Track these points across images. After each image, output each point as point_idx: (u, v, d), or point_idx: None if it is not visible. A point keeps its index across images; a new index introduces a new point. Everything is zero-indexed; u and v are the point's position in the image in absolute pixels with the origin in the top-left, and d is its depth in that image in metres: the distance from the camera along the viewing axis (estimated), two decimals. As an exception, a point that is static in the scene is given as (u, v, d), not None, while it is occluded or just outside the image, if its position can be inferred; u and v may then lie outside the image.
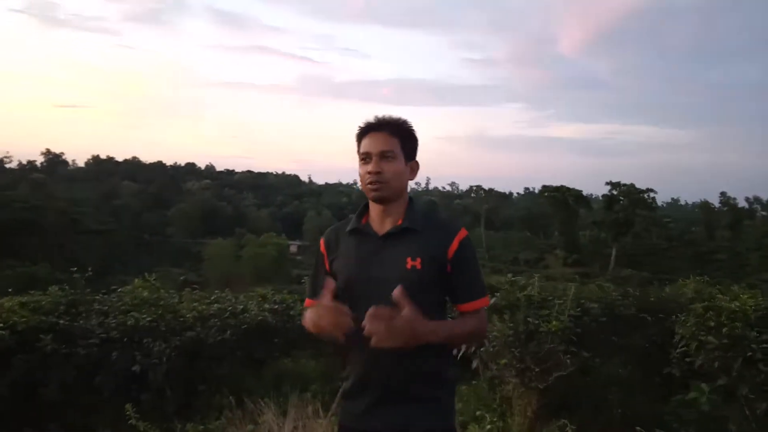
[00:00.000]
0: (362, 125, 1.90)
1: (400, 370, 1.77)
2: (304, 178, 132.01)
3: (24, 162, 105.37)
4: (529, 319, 3.85)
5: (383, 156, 1.83)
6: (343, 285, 1.85)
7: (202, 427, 4.26)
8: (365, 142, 1.87)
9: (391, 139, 1.85)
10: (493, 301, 4.15)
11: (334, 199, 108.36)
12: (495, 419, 3.92)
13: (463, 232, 1.86)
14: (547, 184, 70.92)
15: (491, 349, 3.97)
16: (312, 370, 5.82)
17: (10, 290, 5.66)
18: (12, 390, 4.25)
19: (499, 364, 3.92)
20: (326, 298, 1.72)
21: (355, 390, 1.86)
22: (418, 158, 1.95)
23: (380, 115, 1.90)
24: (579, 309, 4.03)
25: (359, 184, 1.96)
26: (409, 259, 1.79)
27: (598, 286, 5.47)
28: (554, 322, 3.73)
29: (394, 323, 1.60)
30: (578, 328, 3.90)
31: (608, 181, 64.27)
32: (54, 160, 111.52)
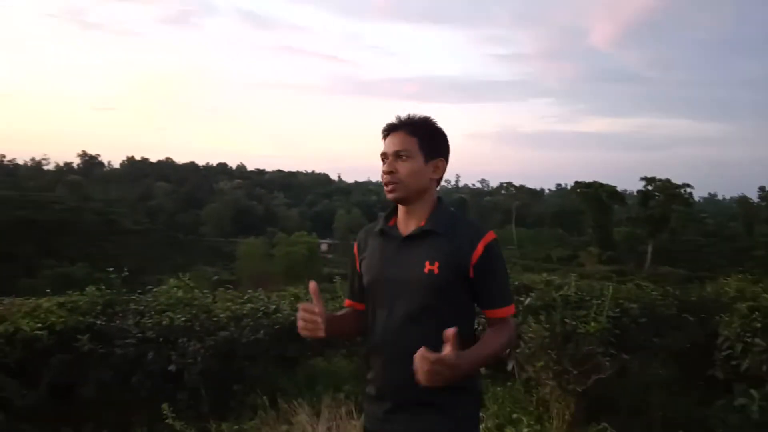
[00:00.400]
0: (386, 125, 1.88)
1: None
2: (333, 176, 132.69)
3: (61, 164, 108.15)
4: (566, 320, 3.76)
5: (398, 156, 1.82)
6: (366, 286, 1.88)
7: (236, 426, 4.29)
8: (385, 142, 1.87)
9: (407, 139, 1.82)
10: (528, 301, 4.07)
11: (363, 197, 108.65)
12: (532, 422, 3.85)
13: (489, 236, 1.78)
14: (580, 180, 69.92)
15: (527, 351, 3.89)
16: (345, 370, 5.82)
17: (48, 290, 5.78)
18: (50, 389, 4.33)
19: (536, 366, 3.84)
20: (308, 304, 1.76)
21: (376, 394, 1.85)
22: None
23: (403, 114, 1.87)
24: (618, 309, 3.91)
25: None
26: (427, 263, 1.75)
27: (637, 285, 5.33)
28: (592, 324, 3.64)
29: (436, 368, 1.53)
30: (617, 330, 3.80)
31: (643, 176, 63.01)
32: (90, 161, 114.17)
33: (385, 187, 1.84)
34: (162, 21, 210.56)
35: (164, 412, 4.04)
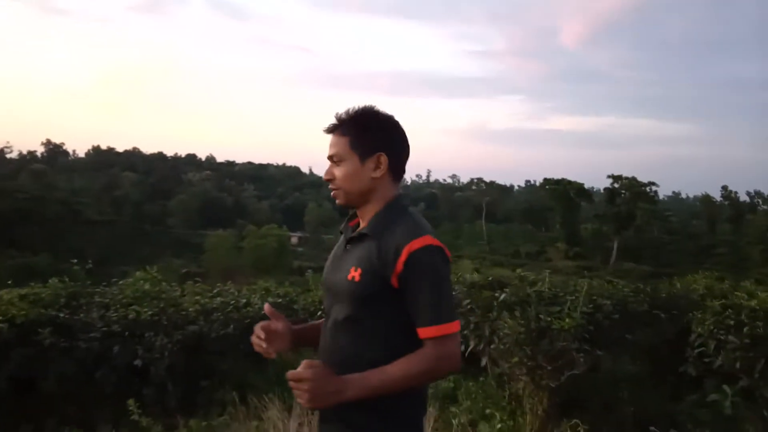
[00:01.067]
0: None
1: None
2: (304, 169, 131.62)
3: (24, 152, 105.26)
4: (540, 315, 3.75)
5: (332, 161, 1.71)
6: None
7: (205, 423, 4.19)
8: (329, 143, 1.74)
9: (339, 140, 1.68)
10: (502, 297, 4.06)
11: (330, 192, 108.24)
12: (505, 418, 3.84)
13: (417, 243, 1.54)
14: (549, 176, 70.93)
15: (501, 347, 3.88)
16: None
17: (9, 282, 5.58)
18: (10, 384, 4.17)
19: (510, 361, 3.83)
20: (265, 323, 1.74)
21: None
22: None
23: (343, 110, 1.70)
24: (591, 305, 3.92)
25: None
26: (351, 269, 1.61)
27: (608, 281, 5.37)
28: (567, 320, 3.64)
29: (304, 386, 1.46)
30: (591, 326, 3.81)
31: (610, 174, 64.22)
32: (54, 150, 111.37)
33: (332, 193, 1.73)
34: (132, 8, 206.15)
35: (130, 407, 3.92)
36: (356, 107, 1.70)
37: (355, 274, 1.59)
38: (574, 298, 3.98)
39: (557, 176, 69.06)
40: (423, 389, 1.70)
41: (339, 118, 1.69)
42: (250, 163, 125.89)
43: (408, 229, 1.59)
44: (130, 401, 3.97)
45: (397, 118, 1.76)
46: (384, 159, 1.67)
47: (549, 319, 3.71)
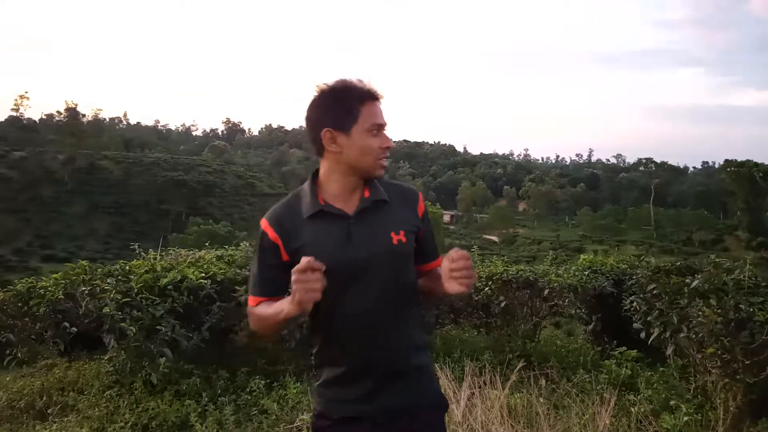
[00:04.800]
0: (361, 88, 1.65)
1: (402, 346, 1.69)
2: (459, 148, 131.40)
3: (208, 130, 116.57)
4: (740, 306, 3.42)
5: (382, 128, 1.69)
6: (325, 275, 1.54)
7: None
8: (372, 110, 1.65)
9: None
10: (695, 283, 3.75)
11: (489, 170, 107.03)
12: (691, 411, 3.57)
13: (420, 192, 1.84)
14: (731, 158, 63.89)
15: (692, 336, 3.60)
16: (478, 341, 5.78)
17: (207, 243, 6.25)
18: (212, 334, 4.68)
19: (703, 352, 3.54)
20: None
21: (351, 375, 1.67)
22: None
23: (361, 80, 1.67)
24: (802, 298, 3.49)
25: (336, 150, 1.66)
26: (393, 234, 1.66)
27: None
28: (773, 311, 3.28)
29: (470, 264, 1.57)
30: (800, 320, 3.39)
31: (807, 155, 56.26)
32: (233, 128, 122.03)
33: (380, 162, 1.67)
34: None
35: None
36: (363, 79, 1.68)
37: (399, 237, 1.67)
38: (780, 288, 3.57)
39: (741, 157, 61.99)
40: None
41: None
42: (405, 141, 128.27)
43: (404, 184, 1.83)
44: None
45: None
46: None
47: (751, 309, 3.37)
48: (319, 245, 1.61)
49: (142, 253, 5.14)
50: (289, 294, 1.52)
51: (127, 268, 4.86)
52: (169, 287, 4.48)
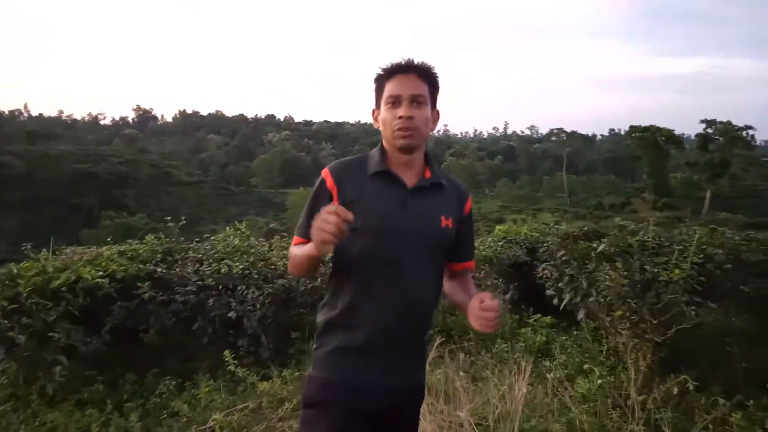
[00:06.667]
0: (388, 66, 1.76)
1: (417, 324, 1.77)
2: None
3: (117, 118, 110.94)
4: (645, 267, 3.49)
5: (414, 100, 1.72)
6: (371, 232, 1.69)
7: (297, 372, 4.26)
8: (393, 84, 1.74)
9: (420, 84, 1.74)
10: (601, 247, 3.81)
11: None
12: (605, 373, 3.65)
13: (469, 194, 1.91)
14: (635, 124, 67.17)
15: (601, 300, 3.67)
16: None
17: (109, 239, 5.84)
18: (114, 336, 4.37)
19: (612, 315, 3.61)
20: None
21: (366, 344, 1.72)
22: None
23: (411, 58, 1.76)
24: (701, 255, 3.61)
25: (379, 128, 1.81)
26: (443, 218, 1.76)
27: (711, 229, 4.96)
28: (676, 271, 3.37)
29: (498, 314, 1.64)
30: (701, 277, 3.51)
31: (703, 119, 60.03)
32: (144, 115, 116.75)
33: (397, 132, 1.71)
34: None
35: (226, 359, 4.03)
36: (422, 60, 1.76)
37: (447, 222, 1.75)
38: (681, 247, 3.68)
39: (645, 123, 65.30)
40: None
41: (418, 63, 1.75)
42: (326, 121, 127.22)
43: (459, 182, 1.90)
44: (226, 352, 4.08)
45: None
46: (438, 115, 1.82)
47: (655, 270, 3.45)
48: (376, 203, 1.71)
49: (30, 254, 4.71)
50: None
51: (15, 271, 4.44)
52: (63, 289, 4.13)
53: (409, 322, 1.73)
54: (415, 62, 1.75)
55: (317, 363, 1.79)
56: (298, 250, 1.74)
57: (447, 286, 1.89)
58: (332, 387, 1.72)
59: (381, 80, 1.77)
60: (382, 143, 1.81)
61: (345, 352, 1.73)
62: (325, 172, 1.79)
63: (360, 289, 1.71)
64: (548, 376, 3.75)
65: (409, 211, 1.71)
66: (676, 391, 3.39)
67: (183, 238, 5.80)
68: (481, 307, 1.61)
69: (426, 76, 1.75)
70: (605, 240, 3.93)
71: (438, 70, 1.78)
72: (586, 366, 3.78)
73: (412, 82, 1.72)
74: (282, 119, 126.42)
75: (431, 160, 1.81)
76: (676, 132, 65.79)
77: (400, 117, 1.70)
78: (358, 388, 1.71)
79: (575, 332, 4.66)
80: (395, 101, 1.72)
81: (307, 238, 1.69)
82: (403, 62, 1.74)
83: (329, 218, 1.47)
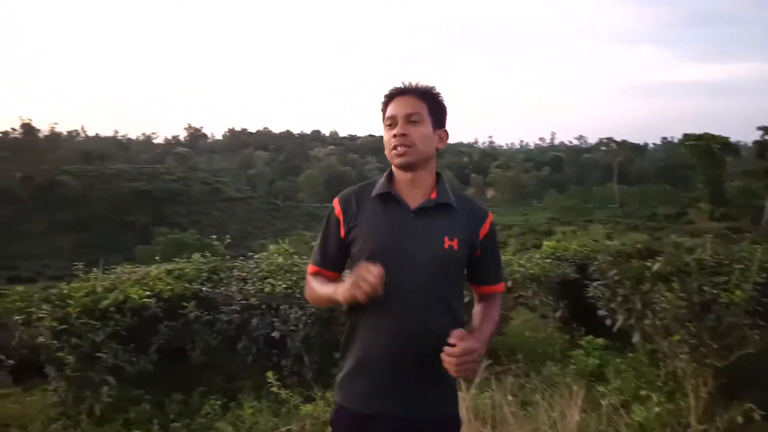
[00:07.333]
0: (387, 92, 1.81)
1: (424, 348, 1.65)
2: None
3: (169, 137, 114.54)
4: (704, 288, 3.30)
5: (408, 119, 1.74)
6: (368, 255, 1.68)
7: (341, 395, 4.19)
8: (391, 107, 1.78)
9: (417, 103, 1.76)
10: (656, 266, 3.63)
11: (455, 158, 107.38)
12: (662, 400, 3.45)
13: (490, 215, 1.84)
14: (689, 132, 65.03)
15: (657, 322, 3.48)
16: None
17: (157, 258, 5.95)
18: (160, 355, 4.42)
19: (670, 339, 3.42)
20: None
21: (368, 366, 1.71)
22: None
23: (406, 81, 1.80)
24: (765, 275, 3.39)
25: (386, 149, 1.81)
26: (446, 239, 1.72)
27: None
28: (737, 292, 3.16)
29: (465, 359, 1.54)
30: (765, 298, 3.29)
31: (760, 125, 57.56)
32: (195, 134, 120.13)
33: (393, 151, 1.74)
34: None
35: (269, 380, 4.01)
36: (425, 83, 1.79)
37: (452, 243, 1.71)
38: (742, 266, 3.47)
39: (699, 131, 63.14)
40: None
41: (415, 85, 1.78)
42: (371, 135, 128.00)
43: (477, 201, 1.91)
44: (269, 374, 4.06)
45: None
46: (446, 136, 1.83)
47: (714, 291, 3.25)
48: (375, 225, 1.73)
49: (80, 274, 4.82)
50: (342, 275, 1.77)
51: (65, 291, 4.55)
52: (111, 309, 4.20)
53: (411, 346, 1.67)
54: (413, 84, 1.79)
55: (336, 387, 1.82)
56: (320, 288, 1.77)
57: (475, 309, 1.86)
58: (343, 413, 1.76)
59: (383, 105, 1.81)
60: (392, 166, 1.84)
61: (353, 377, 1.75)
62: (335, 201, 1.85)
63: (359, 311, 1.71)
64: (602, 402, 3.57)
65: (410, 232, 1.71)
66: (741, 420, 3.17)
67: (229, 255, 5.85)
68: (445, 349, 1.55)
69: (423, 95, 1.78)
70: (660, 258, 3.74)
71: (445, 85, 1.84)
72: (642, 392, 3.59)
73: (409, 102, 1.76)
74: (327, 134, 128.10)
75: (441, 180, 1.82)
76: (732, 139, 63.44)
77: (395, 136, 1.73)
78: (368, 415, 1.70)
79: (630, 355, 4.44)
80: (392, 122, 1.76)
81: (322, 267, 1.83)
82: (402, 86, 1.79)
83: (369, 278, 1.51)
